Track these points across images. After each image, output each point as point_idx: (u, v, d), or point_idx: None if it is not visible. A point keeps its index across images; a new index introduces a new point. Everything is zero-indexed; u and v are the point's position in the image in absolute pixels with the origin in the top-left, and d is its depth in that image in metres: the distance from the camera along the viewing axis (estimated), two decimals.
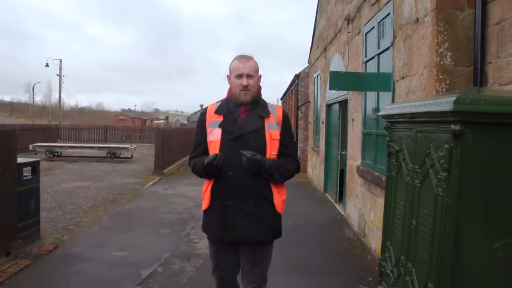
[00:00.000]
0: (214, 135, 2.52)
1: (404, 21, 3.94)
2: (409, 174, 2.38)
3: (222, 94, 2.78)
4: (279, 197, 2.54)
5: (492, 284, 1.86)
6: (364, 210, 5.32)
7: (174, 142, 14.51)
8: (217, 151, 2.46)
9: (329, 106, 8.99)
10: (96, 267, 4.46)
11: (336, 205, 7.85)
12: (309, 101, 13.00)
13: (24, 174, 5.19)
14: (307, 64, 13.43)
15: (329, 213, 7.42)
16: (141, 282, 4.05)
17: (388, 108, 2.76)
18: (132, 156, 17.24)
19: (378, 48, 4.93)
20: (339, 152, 7.78)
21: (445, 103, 1.84)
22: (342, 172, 7.47)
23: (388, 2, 4.47)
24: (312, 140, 11.89)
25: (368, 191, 5.15)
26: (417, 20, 3.60)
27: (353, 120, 6.22)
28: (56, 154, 16.80)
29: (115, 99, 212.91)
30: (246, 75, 2.48)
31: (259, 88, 2.61)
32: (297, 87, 15.09)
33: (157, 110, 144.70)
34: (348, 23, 6.51)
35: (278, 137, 2.53)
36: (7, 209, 4.55)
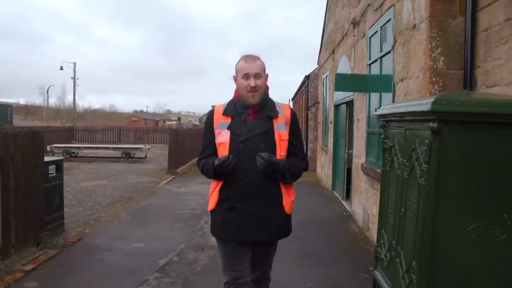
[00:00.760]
0: (223, 137, 2.49)
1: (403, 27, 4.22)
2: (400, 167, 2.66)
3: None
4: (288, 198, 2.54)
5: (466, 261, 2.14)
6: (368, 206, 5.60)
7: (186, 143, 14.90)
8: (226, 153, 2.44)
9: (337, 107, 9.26)
10: (117, 257, 4.81)
11: (343, 202, 8.13)
12: (318, 102, 13.26)
13: (50, 172, 5.58)
14: (317, 65, 13.71)
15: (336, 210, 7.71)
16: (159, 269, 4.39)
17: (383, 108, 3.05)
18: (146, 156, 17.67)
19: (381, 51, 5.21)
20: (346, 151, 8.05)
21: (425, 104, 2.13)
22: (349, 171, 7.74)
23: (389, 8, 4.74)
24: (321, 139, 12.16)
25: (371, 187, 5.43)
26: (414, 26, 3.87)
27: (358, 120, 6.49)
28: (72, 154, 17.34)
29: (126, 100, 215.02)
30: (253, 76, 2.44)
31: (267, 88, 2.58)
32: (307, 88, 15.35)
33: (169, 111, 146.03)
34: (354, 27, 6.79)
35: (287, 137, 2.51)
36: (37, 203, 4.95)
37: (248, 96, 2.46)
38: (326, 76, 10.81)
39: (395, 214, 2.73)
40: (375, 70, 5.55)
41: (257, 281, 2.68)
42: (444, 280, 2.15)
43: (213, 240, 5.63)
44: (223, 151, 2.48)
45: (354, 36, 6.76)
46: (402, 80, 4.23)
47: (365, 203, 5.82)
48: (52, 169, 5.69)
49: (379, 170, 5.00)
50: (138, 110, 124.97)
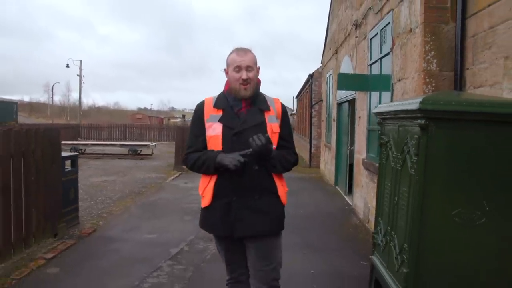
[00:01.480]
0: (214, 130, 2.45)
1: (401, 30, 4.49)
2: (394, 160, 2.94)
3: None
4: (282, 189, 2.54)
5: (451, 242, 2.42)
6: (368, 199, 5.88)
7: None
8: (218, 147, 2.43)
9: (339, 105, 9.53)
10: (130, 246, 5.11)
11: (346, 197, 8.41)
12: (322, 100, 13.54)
13: (65, 167, 5.89)
14: (320, 64, 13.97)
15: (338, 204, 7.99)
16: (171, 257, 4.69)
17: (379, 107, 3.32)
18: (152, 153, 18.00)
19: (381, 52, 5.48)
20: (348, 148, 8.33)
21: (414, 103, 2.40)
22: (351, 167, 8.02)
23: (389, 12, 5.01)
24: (325, 137, 12.43)
25: (372, 181, 5.71)
26: (410, 30, 4.14)
27: (359, 117, 6.77)
28: (80, 151, 17.67)
29: (130, 98, 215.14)
30: (245, 68, 2.40)
31: (259, 81, 2.55)
32: (311, 86, 15.62)
33: (173, 109, 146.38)
34: (356, 28, 7.05)
35: (278, 130, 2.51)
36: (55, 196, 5.26)
37: (240, 89, 2.42)
38: (330, 75, 11.07)
39: (390, 203, 3.01)
40: (375, 70, 5.82)
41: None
42: (431, 259, 2.44)
43: None
44: (215, 145, 2.45)
45: (356, 37, 7.03)
46: (399, 80, 4.50)
47: (365, 197, 6.10)
48: (67, 164, 6.00)
49: (378, 165, 5.28)
50: (142, 107, 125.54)
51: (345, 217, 6.84)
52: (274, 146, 2.48)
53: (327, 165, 11.53)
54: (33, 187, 4.79)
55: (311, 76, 15.63)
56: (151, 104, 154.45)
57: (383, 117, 3.25)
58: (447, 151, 2.39)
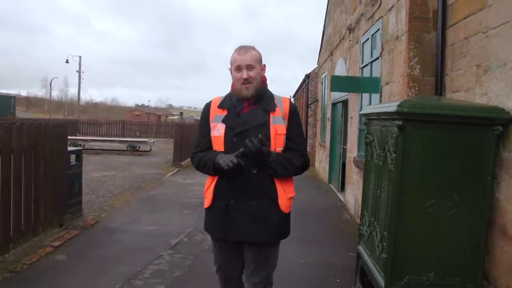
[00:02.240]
0: (218, 131, 2.43)
1: (389, 37, 4.79)
2: (377, 157, 3.24)
3: None
4: (284, 195, 2.42)
5: (424, 230, 2.73)
6: (358, 195, 6.19)
7: (190, 137, 15.47)
8: (221, 147, 2.41)
9: (334, 105, 9.84)
10: (132, 237, 5.40)
11: (338, 194, 8.74)
12: (317, 100, 13.85)
13: (70, 161, 6.16)
14: (317, 65, 14.28)
15: (331, 200, 8.32)
16: (171, 247, 4.99)
17: (366, 109, 3.63)
18: (151, 150, 18.28)
19: (371, 56, 5.78)
20: (342, 147, 8.65)
21: (393, 106, 2.71)
22: (344, 165, 8.33)
23: (379, 19, 5.31)
24: (320, 136, 12.75)
25: (361, 178, 6.00)
26: (397, 37, 4.45)
27: (351, 118, 7.08)
28: (79, 146, 17.91)
29: (128, 94, 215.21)
30: (245, 67, 2.35)
31: (264, 79, 2.49)
32: (307, 86, 15.92)
33: (170, 106, 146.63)
34: (349, 32, 7.36)
35: (284, 131, 2.40)
36: (62, 188, 5.54)
37: (242, 89, 2.38)
38: (325, 76, 11.38)
39: (373, 196, 3.31)
40: (366, 73, 6.13)
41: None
42: (407, 245, 2.75)
43: None
44: (218, 145, 2.43)
45: (350, 41, 7.33)
46: (387, 83, 4.81)
47: (356, 193, 6.42)
48: (72, 158, 6.27)
49: None
50: (140, 104, 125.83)
51: (337, 212, 7.16)
52: (280, 149, 2.41)
53: (321, 163, 11.85)
54: (42, 180, 5.06)
55: (307, 76, 15.93)
56: (149, 101, 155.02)
57: (369, 118, 3.56)
58: (422, 149, 2.70)
